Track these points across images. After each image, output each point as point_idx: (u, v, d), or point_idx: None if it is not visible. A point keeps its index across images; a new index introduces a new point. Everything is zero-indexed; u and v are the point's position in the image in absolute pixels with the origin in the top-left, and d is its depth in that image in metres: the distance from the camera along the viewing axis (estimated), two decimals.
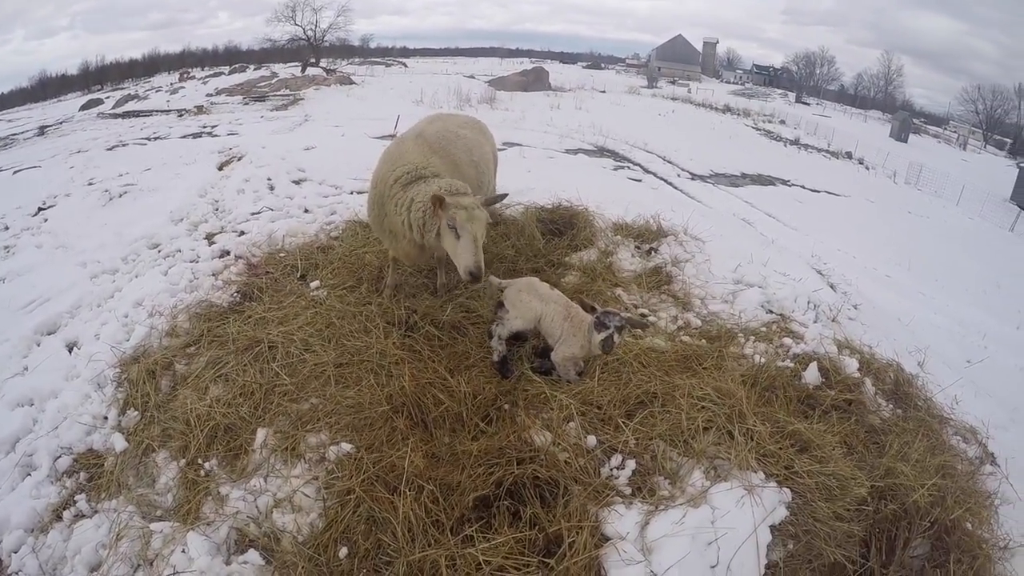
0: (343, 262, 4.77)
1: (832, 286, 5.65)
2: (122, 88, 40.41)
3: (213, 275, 4.72)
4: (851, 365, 3.84)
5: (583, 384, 3.40)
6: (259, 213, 5.92)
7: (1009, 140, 52.03)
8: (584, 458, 2.88)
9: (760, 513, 2.66)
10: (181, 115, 19.58)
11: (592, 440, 2.98)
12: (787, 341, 4.01)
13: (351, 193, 6.35)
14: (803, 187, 17.84)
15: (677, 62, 61.45)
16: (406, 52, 69.65)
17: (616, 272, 4.89)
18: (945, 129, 53.87)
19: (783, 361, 3.80)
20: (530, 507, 2.69)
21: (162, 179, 7.69)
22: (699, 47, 67.01)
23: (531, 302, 3.53)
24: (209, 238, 5.50)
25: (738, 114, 34.95)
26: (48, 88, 49.79)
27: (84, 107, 28.31)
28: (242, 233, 5.44)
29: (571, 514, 2.62)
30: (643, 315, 4.34)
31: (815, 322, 4.33)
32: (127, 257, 5.38)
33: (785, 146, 26.79)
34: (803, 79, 69.03)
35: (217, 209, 6.19)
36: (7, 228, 6.78)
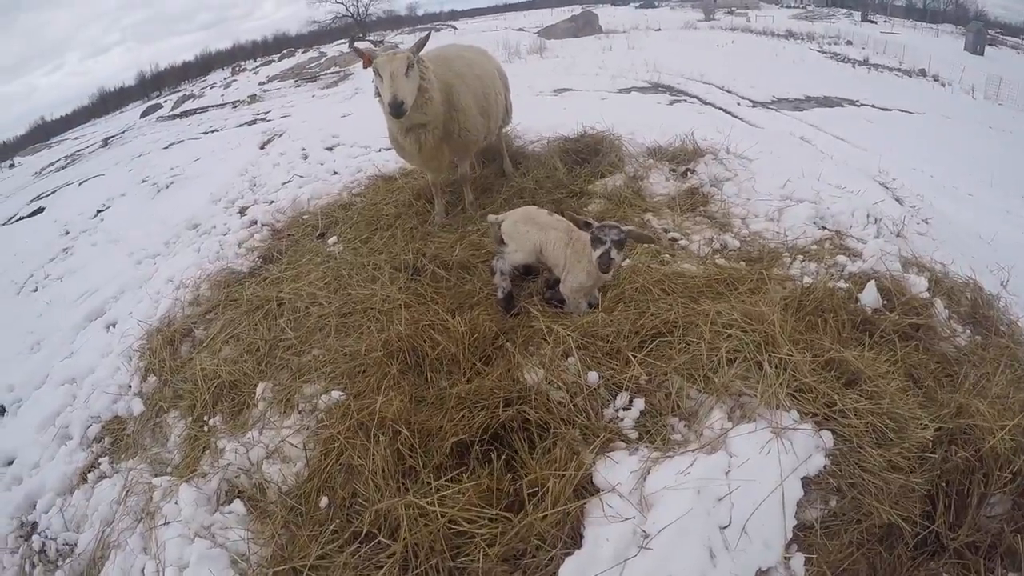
0: (362, 216, 4.68)
1: (898, 200, 4.97)
2: (179, 91, 41.17)
3: (239, 244, 4.75)
4: (919, 284, 3.29)
5: (588, 315, 3.05)
6: (289, 181, 5.98)
7: None
8: (582, 396, 2.53)
9: (790, 462, 2.20)
10: (235, 106, 19.93)
11: (593, 376, 2.60)
12: (841, 259, 3.51)
13: (379, 151, 6.26)
14: (873, 107, 16.13)
15: None
16: (454, 15, 67.98)
17: (646, 197, 4.48)
18: None
19: (835, 281, 3.30)
20: (506, 453, 2.41)
21: (208, 166, 7.94)
22: None
23: (529, 232, 3.22)
24: (242, 211, 5.56)
25: (801, 39, 31.99)
26: (108, 102, 51.23)
27: (144, 114, 29.08)
28: (272, 202, 5.45)
29: (554, 460, 2.28)
30: (673, 240, 3.92)
31: (876, 237, 3.75)
32: (169, 241, 5.56)
33: (853, 67, 24.31)
34: None
35: (254, 185, 6.29)
36: (67, 232, 7.28)
